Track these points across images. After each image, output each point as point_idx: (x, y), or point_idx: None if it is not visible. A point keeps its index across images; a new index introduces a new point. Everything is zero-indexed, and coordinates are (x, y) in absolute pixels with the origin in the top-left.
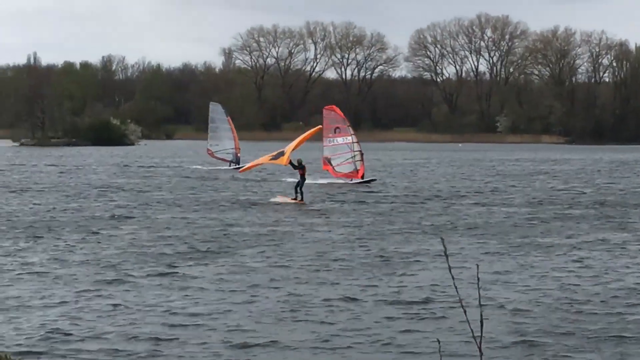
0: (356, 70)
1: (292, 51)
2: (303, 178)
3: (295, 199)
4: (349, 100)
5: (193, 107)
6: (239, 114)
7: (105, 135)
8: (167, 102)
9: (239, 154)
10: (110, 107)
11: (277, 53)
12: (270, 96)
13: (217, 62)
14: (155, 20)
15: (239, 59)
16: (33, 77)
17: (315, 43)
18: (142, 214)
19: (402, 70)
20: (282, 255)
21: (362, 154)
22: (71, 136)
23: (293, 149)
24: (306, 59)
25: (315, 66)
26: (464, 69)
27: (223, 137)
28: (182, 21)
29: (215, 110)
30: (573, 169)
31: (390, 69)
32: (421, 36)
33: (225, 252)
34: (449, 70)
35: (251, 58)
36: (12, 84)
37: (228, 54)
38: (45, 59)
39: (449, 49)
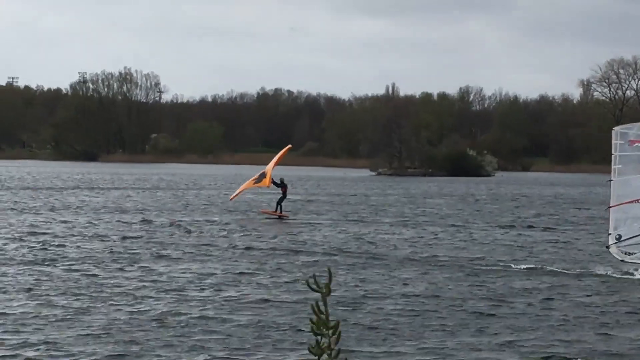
0: None
1: None
2: (284, 195)
3: (275, 212)
4: None
5: (550, 139)
6: (598, 146)
7: (461, 166)
8: (523, 133)
9: None
10: (466, 138)
11: (636, 85)
12: None
13: (575, 93)
14: (513, 52)
15: (597, 90)
16: (391, 108)
17: None
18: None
19: None
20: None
21: None
22: (427, 166)
23: (270, 171)
24: None
25: None
26: None
27: None
28: (539, 52)
29: None
30: None
31: None
32: None
33: None
34: None
35: (610, 90)
36: (371, 114)
37: (586, 85)
38: (404, 90)
39: None
